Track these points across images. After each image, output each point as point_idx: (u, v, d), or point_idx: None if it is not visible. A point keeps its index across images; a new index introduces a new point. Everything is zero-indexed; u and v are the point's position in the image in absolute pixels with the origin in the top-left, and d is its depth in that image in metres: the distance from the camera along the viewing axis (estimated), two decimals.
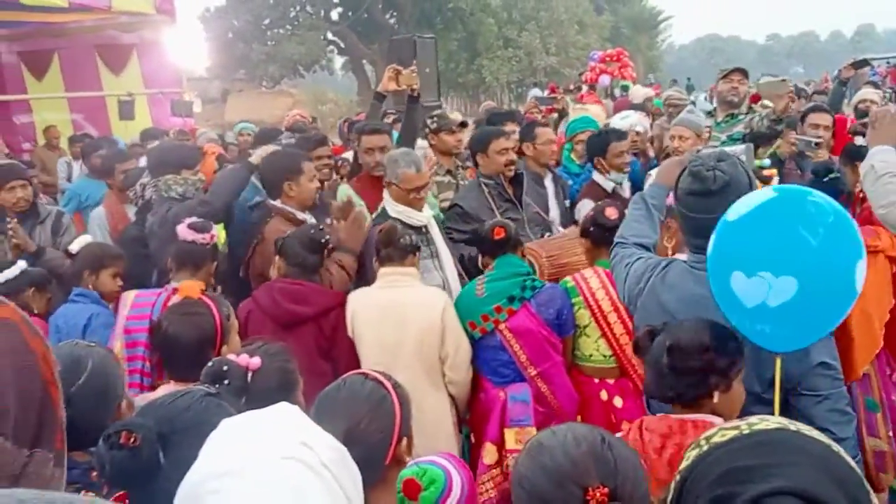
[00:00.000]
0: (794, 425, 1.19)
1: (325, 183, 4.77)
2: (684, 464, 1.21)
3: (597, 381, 3.65)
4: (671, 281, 2.49)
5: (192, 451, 1.22)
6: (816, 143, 4.67)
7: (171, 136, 8.16)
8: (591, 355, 3.65)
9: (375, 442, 1.85)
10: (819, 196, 2.12)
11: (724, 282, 2.16)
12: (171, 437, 1.61)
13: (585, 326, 3.61)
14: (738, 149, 2.94)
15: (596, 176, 5.06)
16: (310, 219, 4.02)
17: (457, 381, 3.57)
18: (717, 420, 2.10)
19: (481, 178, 4.67)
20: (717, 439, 1.19)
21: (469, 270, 4.13)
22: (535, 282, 3.59)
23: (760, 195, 2.19)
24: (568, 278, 3.70)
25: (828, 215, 2.06)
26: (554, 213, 5.00)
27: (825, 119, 5.07)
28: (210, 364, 2.05)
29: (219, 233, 3.51)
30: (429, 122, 5.26)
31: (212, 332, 2.70)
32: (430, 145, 5.42)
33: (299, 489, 1.12)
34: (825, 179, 3.88)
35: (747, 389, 2.25)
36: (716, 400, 2.15)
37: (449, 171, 5.28)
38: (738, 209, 2.18)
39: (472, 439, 3.77)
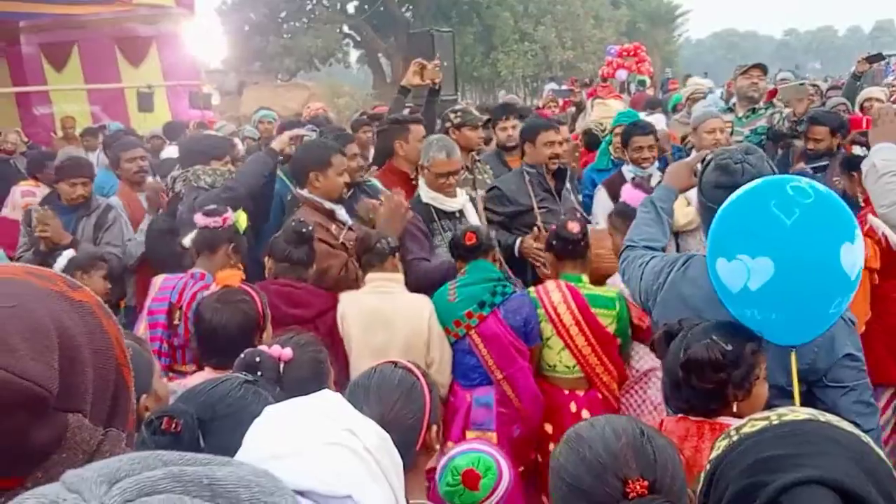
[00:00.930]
0: (823, 416, 1.18)
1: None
2: (714, 454, 1.22)
3: (566, 392, 3.71)
4: (692, 275, 2.48)
5: (231, 437, 1.24)
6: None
7: (192, 129, 8.19)
8: (555, 366, 3.72)
9: (407, 428, 1.87)
10: (803, 180, 2.13)
11: (713, 268, 2.20)
12: (211, 424, 1.63)
13: (548, 338, 3.68)
14: None
15: (624, 168, 5.14)
16: (339, 210, 4.05)
17: (442, 384, 3.60)
18: (737, 422, 2.09)
19: (525, 167, 4.77)
20: (747, 430, 1.19)
21: (506, 255, 4.26)
22: (505, 288, 3.66)
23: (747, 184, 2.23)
24: (531, 289, 3.79)
25: (807, 196, 2.05)
26: (602, 197, 5.16)
27: (821, 132, 5.06)
28: (242, 356, 2.07)
29: (239, 217, 3.50)
30: (452, 116, 5.29)
31: (254, 319, 2.74)
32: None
33: (344, 474, 1.14)
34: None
35: (771, 383, 2.21)
36: (735, 409, 2.11)
37: (466, 167, 5.30)
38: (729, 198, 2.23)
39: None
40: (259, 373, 1.95)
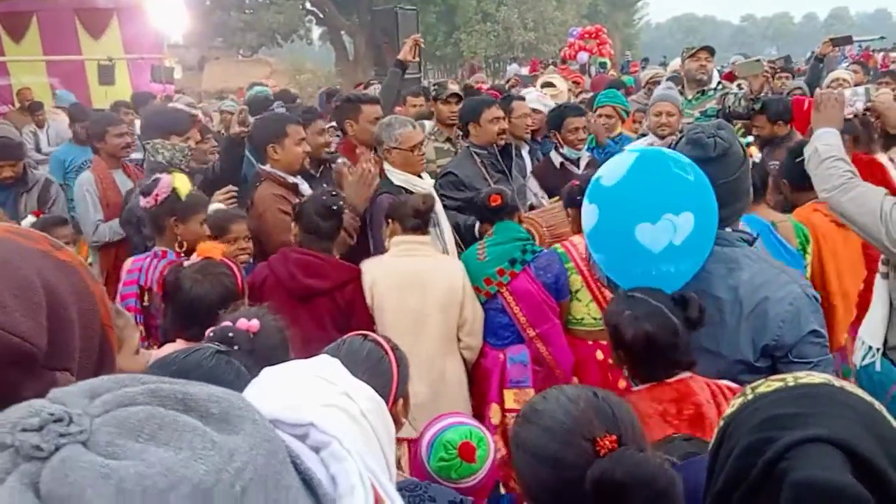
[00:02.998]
0: (838, 382, 1.19)
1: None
2: (729, 410, 1.24)
3: (591, 342, 3.75)
4: None
5: None
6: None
7: (159, 101, 8.18)
8: (582, 318, 3.76)
9: None
10: (666, 149, 2.42)
11: (629, 238, 2.29)
12: None
13: (577, 291, 3.72)
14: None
15: (552, 153, 5.17)
16: (302, 184, 4.00)
17: (473, 345, 3.64)
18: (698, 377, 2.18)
19: (473, 148, 4.71)
20: (762, 389, 1.20)
21: (464, 238, 4.20)
22: (534, 246, 3.71)
23: (625, 159, 2.39)
24: (558, 245, 3.79)
25: (682, 157, 2.33)
26: (533, 185, 5.10)
27: (759, 120, 5.24)
28: (212, 331, 2.02)
29: (176, 181, 3.39)
30: (433, 90, 5.41)
31: (234, 292, 2.74)
32: (431, 113, 5.59)
33: (340, 436, 1.23)
34: (797, 159, 3.99)
35: (739, 358, 2.29)
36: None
37: (448, 139, 5.36)
38: (613, 174, 2.36)
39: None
40: (236, 346, 1.92)
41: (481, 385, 3.72)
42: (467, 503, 1.86)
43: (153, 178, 3.44)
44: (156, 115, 4.67)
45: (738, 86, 5.67)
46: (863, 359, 3.20)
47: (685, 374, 2.19)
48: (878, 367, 3.12)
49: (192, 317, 2.65)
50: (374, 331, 3.32)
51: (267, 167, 4.00)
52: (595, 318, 3.71)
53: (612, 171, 2.39)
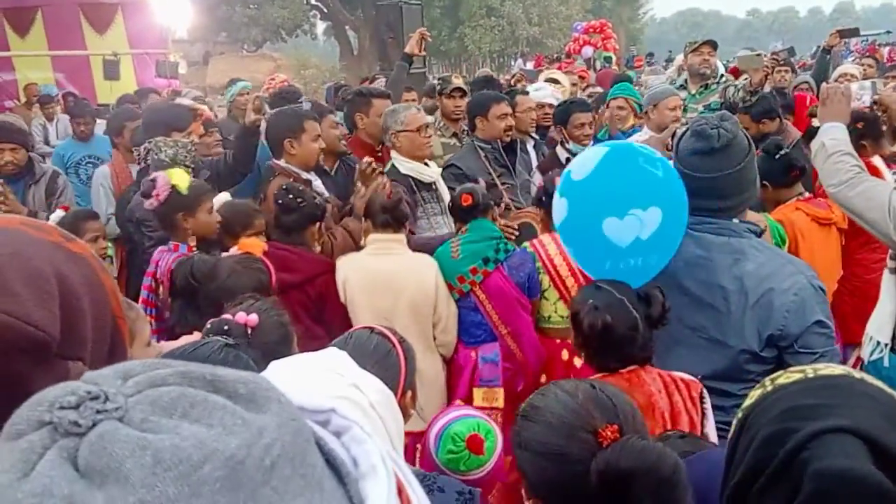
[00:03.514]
0: (858, 374, 1.18)
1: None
2: (748, 402, 1.23)
3: (558, 341, 3.77)
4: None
5: None
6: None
7: (165, 96, 8.18)
8: (549, 317, 3.80)
9: None
10: (638, 144, 2.46)
11: (596, 232, 2.35)
12: None
13: (545, 290, 3.75)
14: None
15: (558, 149, 5.17)
16: (314, 179, 3.97)
17: (448, 342, 3.66)
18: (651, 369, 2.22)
19: (477, 143, 4.70)
20: (781, 381, 1.20)
21: None
22: (507, 245, 3.72)
23: (595, 153, 2.44)
24: (527, 244, 3.82)
25: (653, 153, 2.39)
26: (538, 180, 4.99)
27: (743, 120, 5.08)
28: (209, 325, 2.03)
29: (173, 178, 3.38)
30: (437, 84, 5.41)
31: (267, 287, 2.81)
32: (436, 107, 5.59)
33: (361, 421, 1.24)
34: (776, 157, 3.95)
35: (744, 348, 2.31)
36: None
37: (455, 134, 5.34)
38: (582, 168, 2.42)
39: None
40: (231, 339, 1.91)
41: (451, 381, 3.76)
42: (475, 494, 1.87)
43: (150, 179, 3.43)
44: (155, 113, 4.64)
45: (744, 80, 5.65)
46: (871, 354, 3.19)
47: (638, 366, 2.25)
48: (886, 362, 3.11)
49: (220, 307, 2.61)
50: (348, 324, 3.36)
51: (282, 162, 3.97)
52: (562, 317, 3.73)
53: (582, 165, 2.44)
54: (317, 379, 1.25)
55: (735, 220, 2.43)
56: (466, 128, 5.18)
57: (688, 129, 2.48)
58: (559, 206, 2.49)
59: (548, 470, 1.43)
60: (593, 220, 2.36)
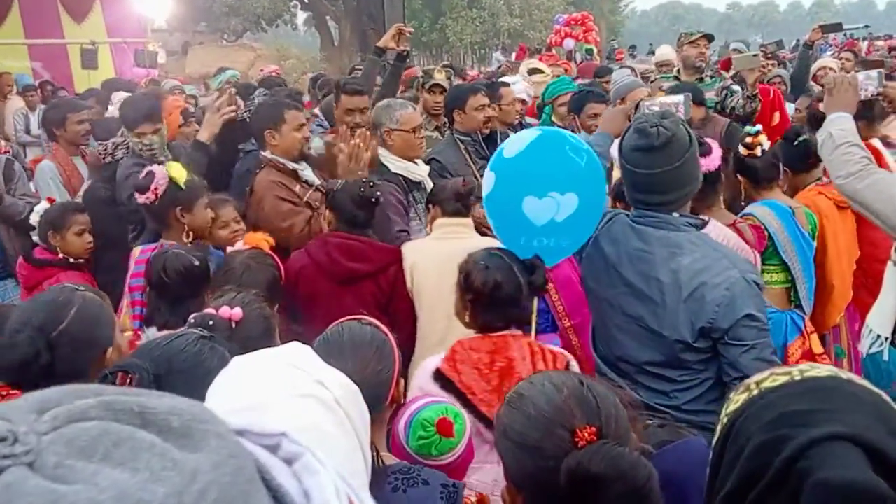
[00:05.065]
0: (844, 374, 1.18)
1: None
2: (732, 406, 1.20)
3: None
4: (614, 234, 2.63)
5: (187, 392, 1.20)
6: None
7: (145, 85, 8.08)
8: None
9: (380, 383, 1.89)
10: (567, 133, 2.76)
11: (516, 208, 2.58)
12: (166, 378, 1.63)
13: None
14: (678, 98, 3.07)
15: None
16: (302, 170, 3.94)
17: None
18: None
19: (457, 135, 4.68)
20: (768, 384, 1.17)
21: None
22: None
23: (528, 134, 2.67)
24: None
25: (581, 143, 2.62)
26: None
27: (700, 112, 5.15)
28: (192, 320, 2.01)
29: (171, 171, 3.33)
30: (421, 77, 5.34)
31: (278, 282, 2.84)
32: (417, 100, 5.49)
33: (316, 425, 1.16)
34: (795, 143, 3.98)
35: (677, 338, 2.41)
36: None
37: (437, 128, 5.30)
38: (514, 147, 2.63)
39: None
40: (214, 334, 1.91)
41: None
42: (459, 487, 1.86)
43: (146, 172, 3.38)
44: (122, 108, 4.54)
45: (734, 78, 5.63)
46: (869, 347, 3.19)
47: (510, 332, 2.53)
48: (885, 356, 3.12)
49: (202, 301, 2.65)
50: (413, 315, 3.41)
51: (267, 153, 3.95)
52: None
53: (514, 144, 2.65)
54: (279, 375, 1.22)
55: (675, 215, 2.52)
56: (447, 120, 5.12)
57: (630, 126, 2.56)
58: (488, 180, 2.67)
59: (523, 462, 1.43)
60: (515, 197, 2.58)
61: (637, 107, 3.04)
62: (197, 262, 2.76)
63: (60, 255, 3.78)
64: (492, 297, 2.50)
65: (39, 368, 2.00)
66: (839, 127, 2.95)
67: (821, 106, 4.24)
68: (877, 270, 3.86)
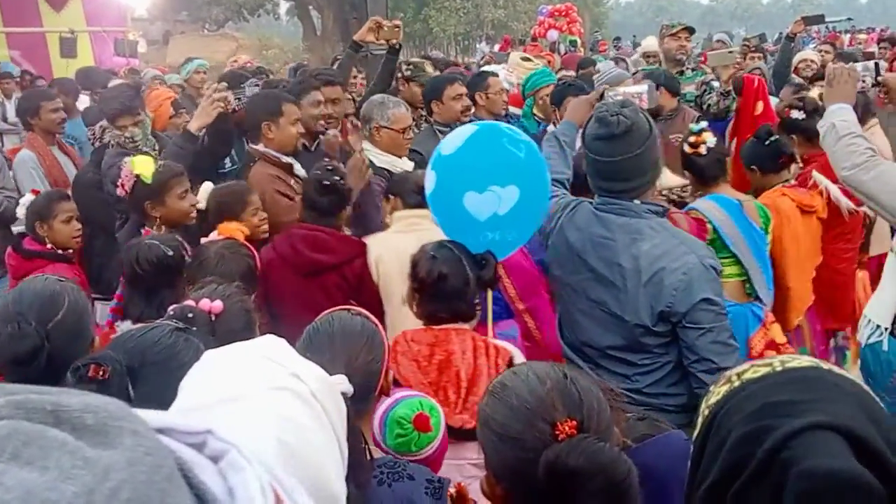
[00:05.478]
0: (825, 364, 1.18)
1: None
2: (714, 398, 1.19)
3: None
4: (578, 222, 2.68)
5: (161, 384, 1.22)
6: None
7: (123, 75, 8.00)
8: None
9: (370, 373, 1.89)
10: (505, 125, 2.78)
11: (458, 204, 2.61)
12: (140, 371, 1.62)
13: None
14: (642, 87, 3.10)
15: (550, 128, 5.03)
16: (295, 164, 3.87)
17: None
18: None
19: (436, 126, 4.63)
20: (749, 375, 1.17)
21: None
22: None
23: (465, 131, 2.71)
24: None
25: (520, 135, 2.66)
26: None
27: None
28: (171, 311, 1.99)
29: (136, 167, 3.26)
30: (404, 69, 5.29)
31: (254, 273, 2.84)
32: (398, 91, 5.41)
33: (291, 419, 1.15)
34: (766, 143, 3.97)
35: (637, 322, 2.48)
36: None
37: (414, 120, 5.30)
38: (452, 143, 2.66)
39: None
40: (193, 328, 1.89)
41: None
42: (444, 483, 1.85)
43: (117, 166, 3.38)
44: (102, 101, 4.52)
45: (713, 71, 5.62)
46: (868, 337, 3.21)
47: (454, 326, 2.55)
48: (885, 346, 3.15)
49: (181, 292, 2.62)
50: (381, 308, 3.33)
51: (260, 147, 3.88)
52: None
53: (452, 141, 2.68)
54: (254, 368, 1.20)
55: (636, 202, 2.57)
56: (424, 114, 5.14)
57: (592, 116, 2.61)
58: (429, 178, 2.71)
59: (504, 453, 1.43)
60: (456, 194, 2.61)
61: (601, 96, 3.06)
62: (171, 253, 2.71)
63: (49, 246, 3.76)
64: (436, 288, 2.54)
65: (44, 360, 1.99)
66: (842, 118, 2.95)
67: (793, 113, 4.25)
68: (834, 280, 4.11)
